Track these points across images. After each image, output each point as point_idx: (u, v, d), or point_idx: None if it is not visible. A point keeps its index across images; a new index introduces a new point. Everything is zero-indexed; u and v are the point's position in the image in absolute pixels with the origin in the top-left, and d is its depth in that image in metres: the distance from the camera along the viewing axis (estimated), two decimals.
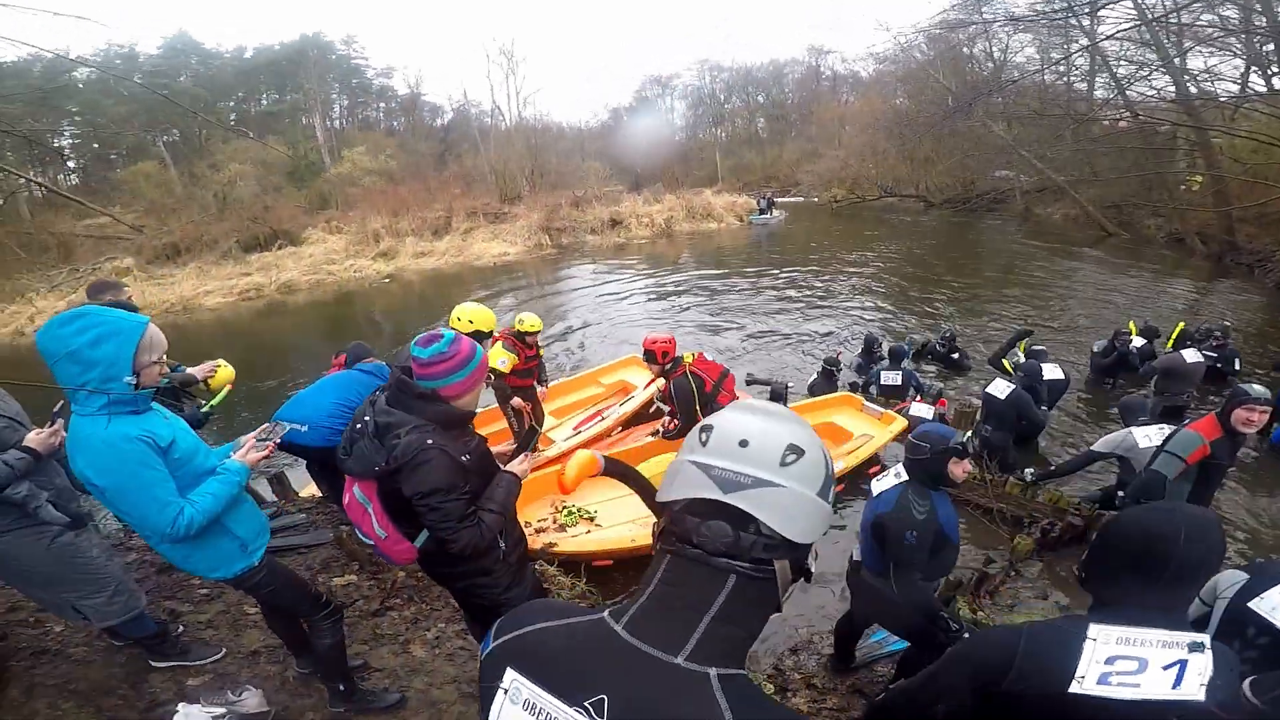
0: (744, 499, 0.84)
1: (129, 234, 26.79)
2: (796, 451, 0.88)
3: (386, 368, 4.54)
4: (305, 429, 4.09)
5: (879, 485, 3.12)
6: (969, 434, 3.36)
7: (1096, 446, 4.92)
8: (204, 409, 4.36)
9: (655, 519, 0.99)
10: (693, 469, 0.89)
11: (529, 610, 0.99)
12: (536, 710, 0.86)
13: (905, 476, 3.00)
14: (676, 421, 5.41)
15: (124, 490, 2.05)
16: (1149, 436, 4.52)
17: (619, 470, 1.56)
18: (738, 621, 0.87)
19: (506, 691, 0.90)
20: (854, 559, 3.37)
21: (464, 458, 2.21)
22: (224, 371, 4.51)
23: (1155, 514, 1.52)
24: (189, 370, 4.36)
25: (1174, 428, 4.32)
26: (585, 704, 0.83)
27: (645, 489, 1.47)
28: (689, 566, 0.87)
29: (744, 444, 0.87)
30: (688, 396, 5.07)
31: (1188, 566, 1.44)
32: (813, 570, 0.94)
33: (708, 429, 0.92)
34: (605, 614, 0.91)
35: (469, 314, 4.90)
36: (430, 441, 2.15)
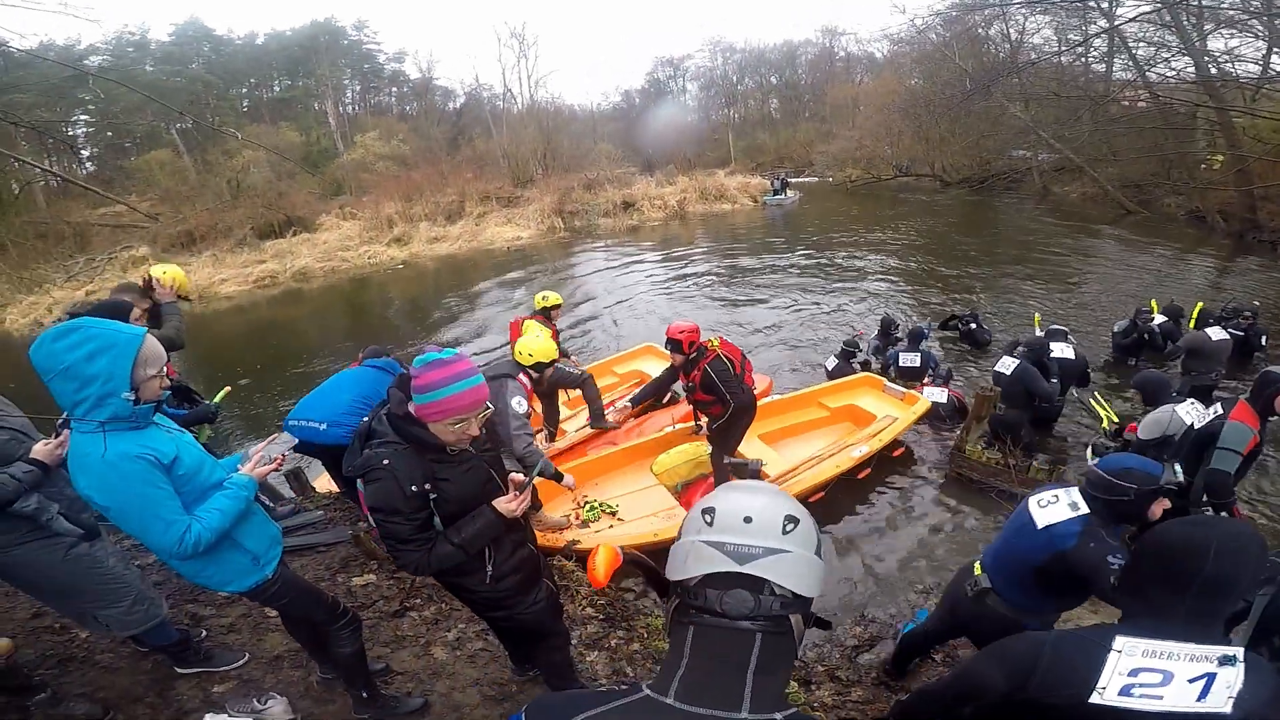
0: (758, 567, 0.95)
1: (144, 222, 26.92)
2: (794, 520, 1.00)
3: (397, 364, 4.50)
4: (324, 426, 4.07)
5: (1045, 515, 2.66)
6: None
7: (1143, 434, 4.76)
8: (214, 402, 4.34)
9: (662, 596, 1.10)
10: (705, 547, 0.98)
11: (562, 703, 1.01)
12: None
13: (1083, 508, 2.59)
14: (718, 408, 5.24)
15: (128, 510, 2.01)
16: (1190, 414, 4.43)
17: (634, 559, 1.68)
18: (773, 671, 0.96)
19: None
20: (980, 586, 2.89)
21: (414, 487, 2.10)
22: (170, 275, 4.27)
23: (1187, 527, 1.50)
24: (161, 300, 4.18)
25: (1211, 407, 4.27)
26: None
27: (654, 573, 1.57)
28: (717, 634, 0.96)
29: (748, 520, 0.98)
30: (729, 375, 5.02)
31: (1217, 582, 1.43)
32: (827, 620, 1.08)
33: (710, 511, 1.02)
34: (647, 690, 0.96)
35: (529, 348, 4.77)
36: (386, 462, 2.08)
